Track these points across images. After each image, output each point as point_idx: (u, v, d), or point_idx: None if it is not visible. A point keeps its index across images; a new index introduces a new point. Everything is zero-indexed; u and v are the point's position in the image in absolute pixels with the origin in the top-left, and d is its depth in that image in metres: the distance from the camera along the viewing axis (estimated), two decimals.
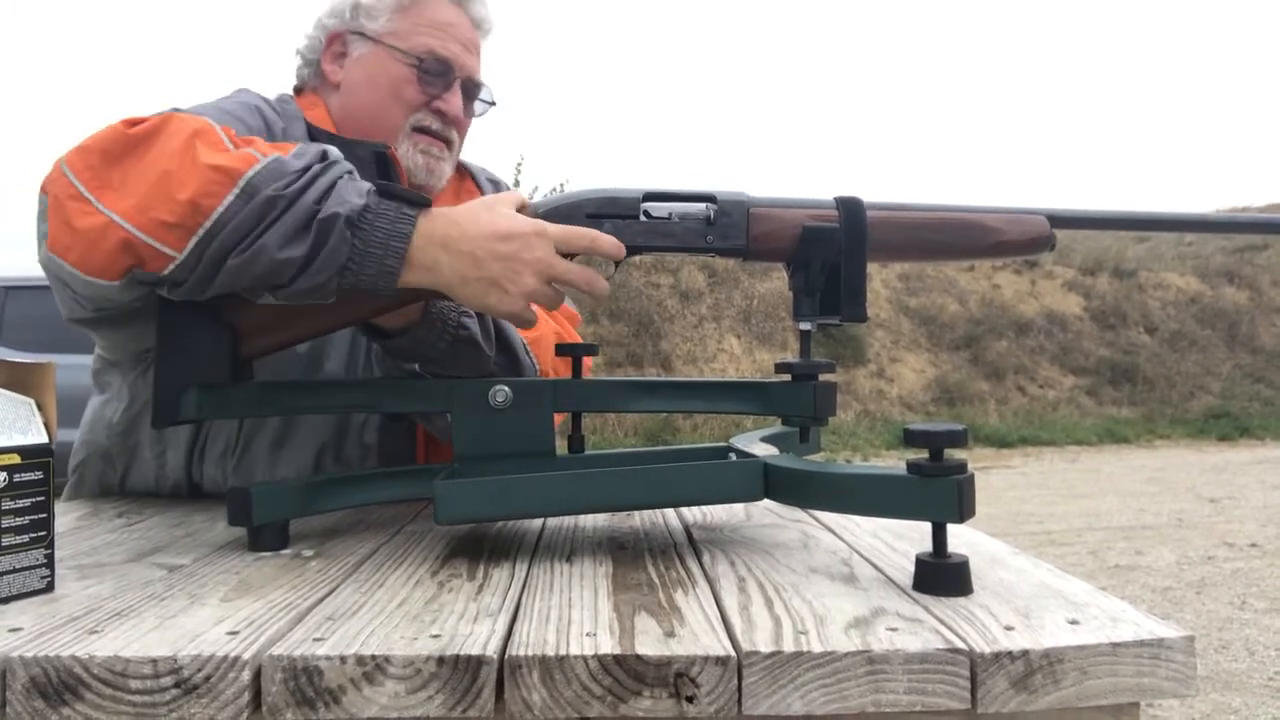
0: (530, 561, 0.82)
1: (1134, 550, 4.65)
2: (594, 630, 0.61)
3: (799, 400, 0.90)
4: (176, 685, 0.55)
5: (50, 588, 0.71)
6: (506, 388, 0.92)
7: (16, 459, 0.69)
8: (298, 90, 1.25)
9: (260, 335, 0.92)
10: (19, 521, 0.69)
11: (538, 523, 0.99)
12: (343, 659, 0.56)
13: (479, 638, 0.59)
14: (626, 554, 0.85)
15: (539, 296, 0.87)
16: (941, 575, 0.70)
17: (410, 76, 1.17)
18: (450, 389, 0.94)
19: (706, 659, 0.56)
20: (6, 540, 0.68)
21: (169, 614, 0.65)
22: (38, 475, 0.70)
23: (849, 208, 0.90)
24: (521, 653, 0.57)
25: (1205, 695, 2.76)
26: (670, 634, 0.60)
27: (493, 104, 1.26)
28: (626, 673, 0.56)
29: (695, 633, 0.60)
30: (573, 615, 0.65)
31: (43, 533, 0.71)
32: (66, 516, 1.03)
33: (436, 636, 0.60)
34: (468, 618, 0.64)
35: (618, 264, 0.92)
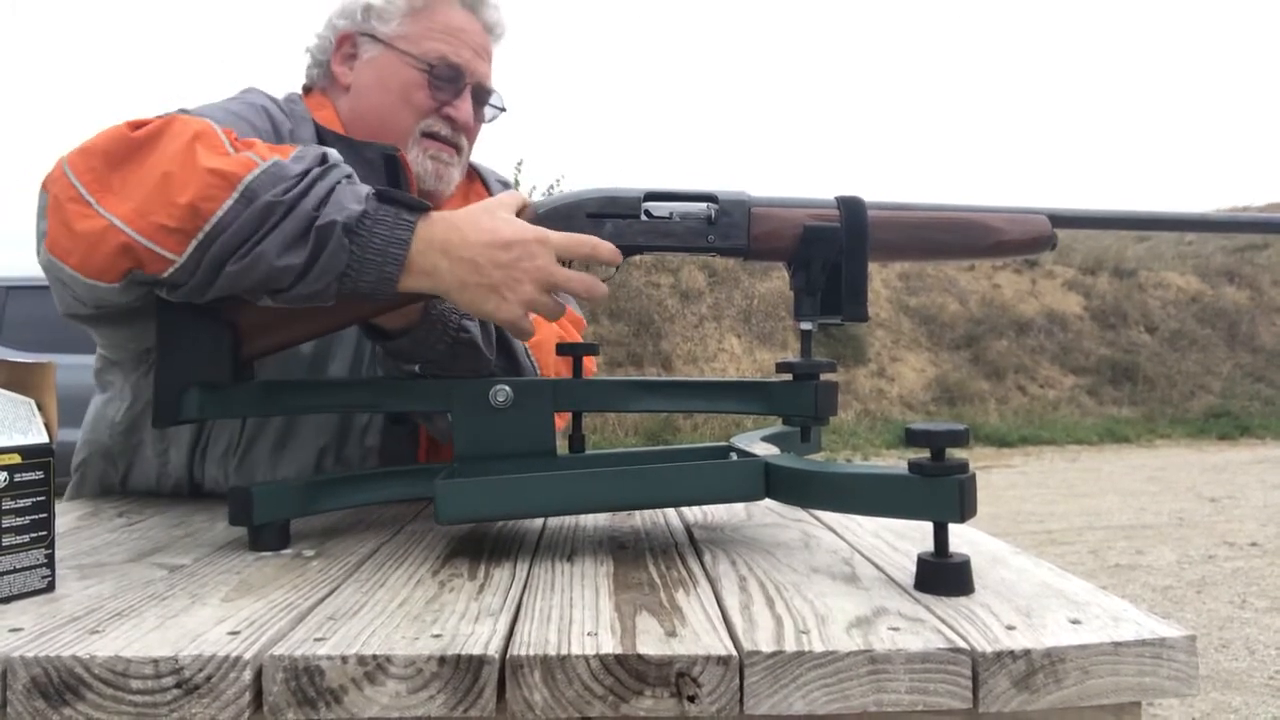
0: (531, 561, 0.82)
1: (1134, 549, 4.65)
2: (595, 630, 0.61)
3: (800, 400, 0.90)
4: (178, 685, 0.55)
5: (51, 588, 0.71)
6: (507, 388, 0.92)
7: (17, 459, 0.69)
8: (306, 90, 1.25)
9: (261, 335, 0.92)
10: (19, 521, 0.69)
11: (538, 522, 0.99)
12: (344, 659, 0.56)
13: (480, 637, 0.59)
14: (627, 554, 0.85)
15: (538, 305, 0.87)
16: (943, 575, 0.70)
17: (421, 81, 1.17)
18: (451, 389, 0.94)
19: (708, 658, 0.56)
20: (7, 540, 0.68)
21: (170, 614, 0.65)
22: (38, 475, 0.70)
23: (850, 207, 0.90)
24: (523, 652, 0.57)
25: (1205, 694, 2.76)
26: (672, 634, 0.60)
27: (503, 110, 1.25)
28: (628, 672, 0.56)
29: (697, 632, 0.60)
30: (574, 615, 0.65)
31: (43, 532, 0.71)
32: (67, 516, 1.03)
33: (438, 636, 0.60)
34: (469, 617, 0.64)
35: (618, 265, 0.92)
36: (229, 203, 0.80)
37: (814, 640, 0.58)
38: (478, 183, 1.35)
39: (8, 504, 0.68)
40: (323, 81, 1.23)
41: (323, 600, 0.69)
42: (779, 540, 0.90)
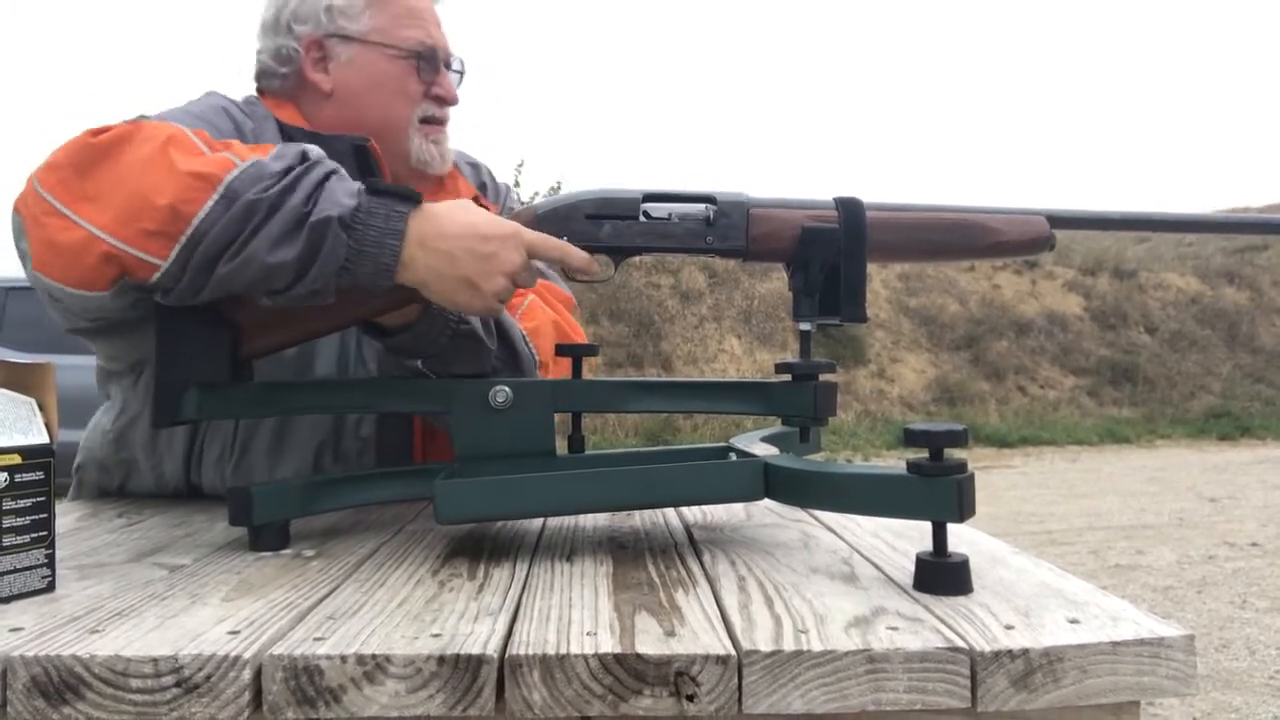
0: (530, 561, 0.82)
1: (1135, 550, 4.64)
2: (594, 629, 0.61)
3: (799, 400, 0.90)
4: (177, 684, 0.56)
5: (51, 588, 0.71)
6: (507, 388, 0.93)
7: (17, 459, 0.69)
8: (260, 93, 1.22)
9: (260, 335, 0.92)
10: (20, 521, 0.69)
11: (538, 522, 0.99)
12: (343, 658, 0.56)
13: (479, 637, 0.59)
14: (627, 553, 0.85)
15: (505, 295, 0.89)
16: (942, 574, 0.70)
17: (409, 70, 1.17)
18: (451, 389, 0.95)
19: (707, 658, 0.56)
20: (7, 540, 0.68)
21: (170, 614, 0.65)
22: (38, 475, 0.70)
23: (848, 208, 0.90)
24: (522, 652, 0.57)
25: (1205, 694, 2.76)
26: (670, 633, 0.60)
27: (463, 72, 1.25)
28: (627, 672, 0.56)
29: (695, 632, 0.61)
30: (573, 614, 0.65)
31: (44, 533, 0.71)
32: (67, 517, 1.04)
33: (437, 636, 0.60)
34: (468, 617, 0.64)
35: (617, 265, 0.92)
36: (210, 203, 0.80)
37: (812, 640, 0.58)
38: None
39: (8, 504, 0.68)
40: (290, 90, 1.19)
41: (322, 600, 0.69)
42: (778, 540, 0.90)
